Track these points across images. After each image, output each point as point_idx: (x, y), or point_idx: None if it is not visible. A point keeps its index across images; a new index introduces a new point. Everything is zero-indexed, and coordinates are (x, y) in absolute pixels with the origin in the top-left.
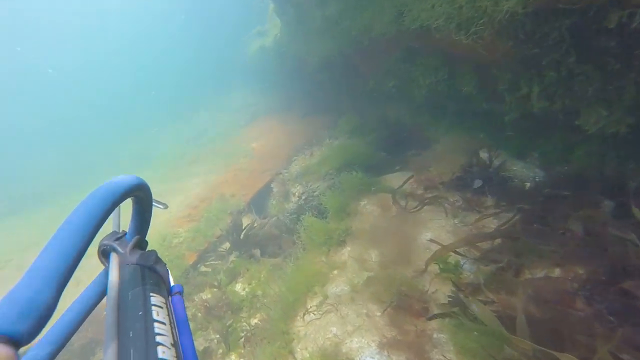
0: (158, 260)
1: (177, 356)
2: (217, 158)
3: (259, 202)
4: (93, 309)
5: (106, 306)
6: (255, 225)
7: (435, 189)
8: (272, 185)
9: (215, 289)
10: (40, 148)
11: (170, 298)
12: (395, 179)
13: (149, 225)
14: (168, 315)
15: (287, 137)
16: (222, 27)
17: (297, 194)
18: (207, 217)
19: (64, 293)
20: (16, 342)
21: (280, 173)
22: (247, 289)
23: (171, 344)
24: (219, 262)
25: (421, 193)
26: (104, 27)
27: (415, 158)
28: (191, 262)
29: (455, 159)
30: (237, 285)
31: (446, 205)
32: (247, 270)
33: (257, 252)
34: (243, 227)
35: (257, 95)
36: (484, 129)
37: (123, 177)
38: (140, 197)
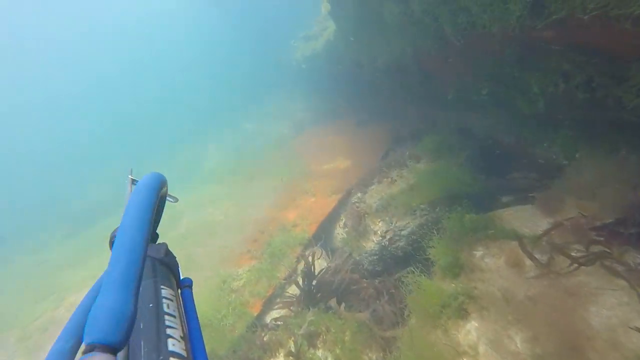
0: (168, 253)
1: (187, 349)
2: (270, 177)
3: (324, 232)
4: None
5: None
6: (330, 267)
7: (592, 239)
8: (341, 217)
9: (292, 358)
10: (83, 164)
11: (180, 291)
12: (513, 218)
13: (160, 218)
14: (178, 308)
15: (347, 152)
16: (266, 31)
17: (379, 232)
18: (269, 252)
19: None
20: (115, 350)
21: (354, 203)
22: (330, 359)
23: (181, 336)
24: (287, 310)
25: (565, 242)
26: (148, 32)
27: (539, 188)
28: (256, 313)
29: (613, 194)
30: (318, 351)
31: (619, 267)
32: (328, 331)
33: (336, 304)
34: (314, 269)
35: (303, 102)
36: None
37: (153, 175)
38: (163, 192)
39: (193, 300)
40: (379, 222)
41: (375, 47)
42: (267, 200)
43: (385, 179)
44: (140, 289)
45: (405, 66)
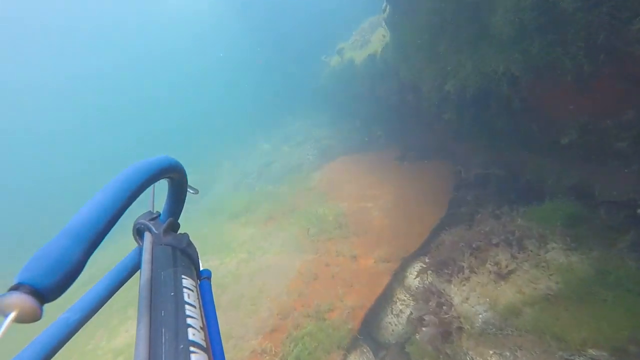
0: (190, 243)
1: (206, 340)
2: (292, 220)
3: (370, 321)
4: (124, 282)
5: (139, 283)
6: None
7: None
8: (395, 297)
9: None
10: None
11: (199, 282)
12: None
13: (182, 207)
14: (198, 298)
15: (391, 195)
16: (293, 43)
17: None
18: (295, 357)
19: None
20: (41, 295)
21: (432, 292)
22: None
23: (200, 327)
24: None
25: None
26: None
27: None
28: None
29: None
30: None
31: None
32: None
33: None
34: None
35: (331, 127)
36: None
37: (160, 157)
38: (176, 179)
39: (212, 292)
40: (491, 354)
41: (448, 66)
42: (289, 261)
43: (486, 267)
44: (162, 276)
45: (493, 93)
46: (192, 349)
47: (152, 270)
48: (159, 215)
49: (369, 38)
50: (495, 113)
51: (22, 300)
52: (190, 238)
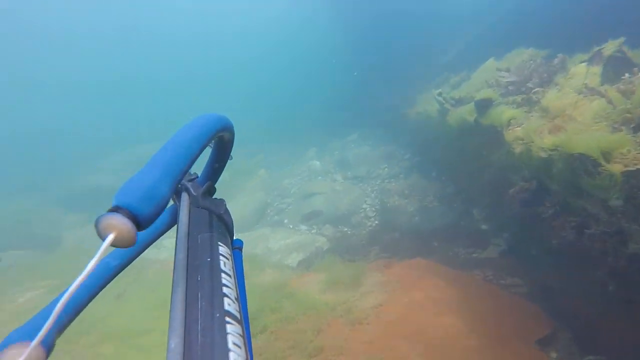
0: (227, 210)
1: (240, 312)
2: None
3: None
4: (161, 235)
5: (176, 244)
6: None
7: None
8: None
9: None
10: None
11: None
12: None
13: (221, 173)
14: (233, 268)
15: None
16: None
17: None
18: None
19: None
20: (138, 221)
21: None
22: None
23: (235, 298)
24: None
25: None
26: None
27: None
28: None
29: None
30: None
31: None
32: None
33: None
34: None
35: (406, 174)
36: None
37: (220, 115)
38: (225, 139)
39: (242, 263)
40: None
41: None
42: None
43: None
44: (199, 240)
45: None
46: (227, 319)
47: (188, 232)
48: (197, 177)
49: (539, 97)
50: None
51: (123, 223)
52: None
